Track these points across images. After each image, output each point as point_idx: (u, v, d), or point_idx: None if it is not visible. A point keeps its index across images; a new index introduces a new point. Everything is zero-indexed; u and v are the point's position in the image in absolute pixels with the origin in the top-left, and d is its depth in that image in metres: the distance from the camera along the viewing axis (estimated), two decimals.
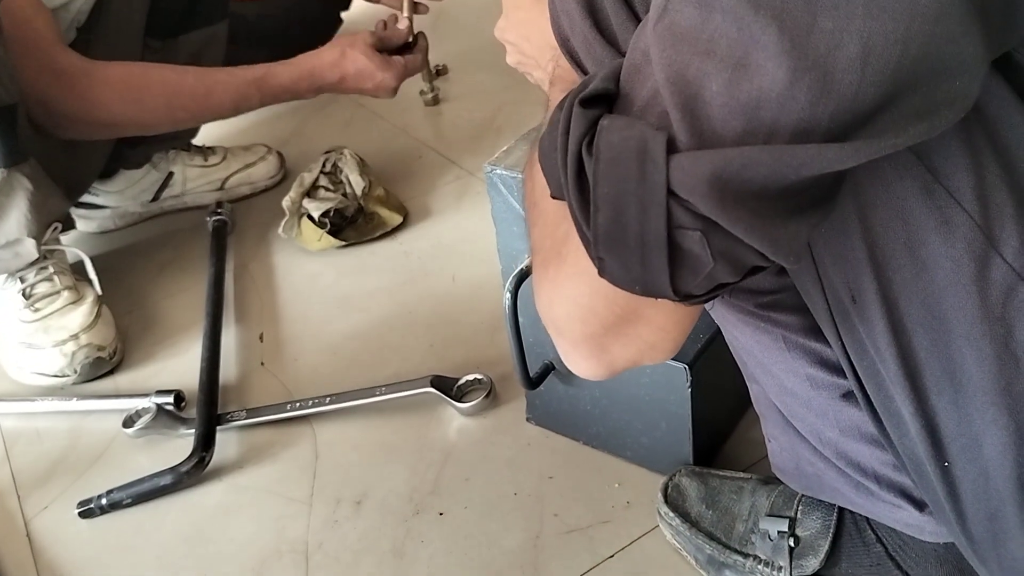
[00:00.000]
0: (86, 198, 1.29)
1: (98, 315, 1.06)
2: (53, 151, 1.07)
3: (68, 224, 1.22)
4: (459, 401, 0.93)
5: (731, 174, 0.38)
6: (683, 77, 0.39)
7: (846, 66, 0.36)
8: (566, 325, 0.50)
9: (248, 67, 1.12)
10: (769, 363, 0.60)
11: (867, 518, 0.66)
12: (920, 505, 0.59)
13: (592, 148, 0.42)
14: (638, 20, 0.47)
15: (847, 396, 0.57)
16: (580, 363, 0.52)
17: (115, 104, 1.06)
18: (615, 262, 0.43)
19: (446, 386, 0.94)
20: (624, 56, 0.50)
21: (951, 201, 0.44)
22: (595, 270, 0.45)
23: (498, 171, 0.77)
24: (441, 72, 1.60)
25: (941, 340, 0.47)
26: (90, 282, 1.10)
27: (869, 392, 0.52)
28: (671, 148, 0.39)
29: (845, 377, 0.55)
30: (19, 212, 1.01)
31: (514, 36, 0.74)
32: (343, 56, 1.14)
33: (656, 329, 0.48)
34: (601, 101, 0.44)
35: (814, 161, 0.37)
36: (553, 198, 0.48)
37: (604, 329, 0.48)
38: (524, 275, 0.79)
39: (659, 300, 0.45)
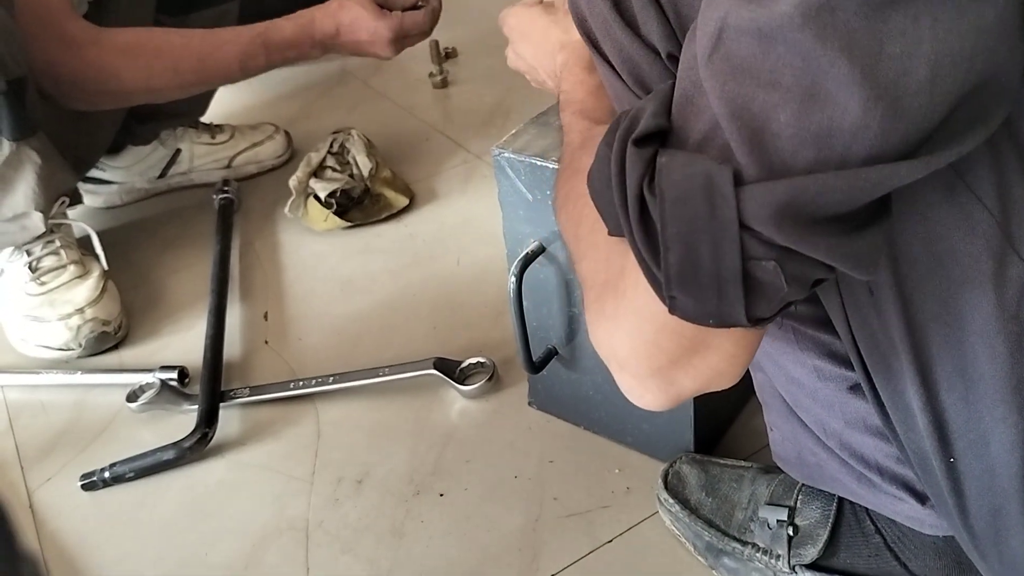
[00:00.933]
0: (93, 173, 1.29)
1: (104, 290, 1.07)
2: (62, 124, 1.07)
3: (75, 199, 1.22)
4: (462, 384, 0.93)
5: (806, 201, 0.38)
6: (748, 110, 0.38)
7: (916, 89, 0.36)
8: (630, 361, 0.48)
9: (251, 25, 1.11)
10: (776, 353, 0.60)
11: (867, 509, 0.66)
12: (922, 498, 0.59)
13: (654, 187, 0.41)
14: (659, 4, 0.46)
15: (854, 388, 0.57)
16: (645, 396, 0.50)
17: (124, 71, 1.05)
18: (688, 299, 0.42)
19: (449, 368, 0.94)
20: (641, 39, 0.50)
21: (972, 197, 0.44)
22: (659, 306, 0.44)
23: (506, 155, 0.77)
24: (450, 55, 1.60)
25: (955, 336, 0.47)
26: (96, 257, 1.10)
27: (878, 386, 0.52)
28: (737, 181, 0.39)
29: (853, 369, 0.55)
30: (27, 186, 1.01)
31: (517, 37, 0.75)
32: (340, 6, 1.12)
33: (725, 357, 0.47)
34: (654, 138, 0.43)
35: (888, 180, 0.37)
36: (611, 235, 0.47)
37: (671, 363, 0.47)
38: (529, 259, 0.79)
39: (730, 329, 0.44)
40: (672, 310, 0.43)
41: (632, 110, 0.45)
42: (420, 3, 1.18)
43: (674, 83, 0.44)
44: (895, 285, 0.47)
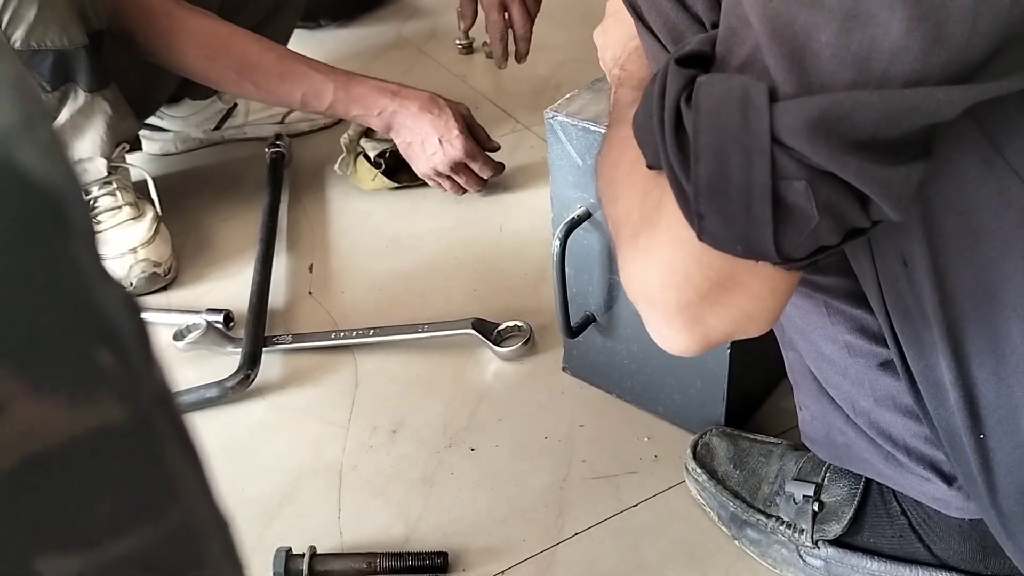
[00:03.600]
0: (152, 120, 1.33)
1: (156, 232, 1.10)
2: (130, 73, 1.10)
3: (135, 144, 1.25)
4: (498, 345, 0.95)
5: (840, 117, 0.38)
6: (789, 28, 0.38)
7: (959, 16, 0.36)
8: (659, 294, 0.48)
9: (332, 67, 1.11)
10: (808, 329, 0.60)
11: (893, 490, 0.66)
12: (949, 479, 0.60)
13: (691, 102, 0.41)
14: None
15: (884, 365, 0.58)
16: (673, 336, 0.49)
17: (190, 56, 1.07)
18: (716, 217, 0.42)
19: (487, 330, 0.96)
20: (687, 9, 0.50)
21: (1009, 172, 0.44)
22: (691, 235, 0.44)
23: (559, 118, 0.78)
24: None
25: (988, 310, 0.47)
26: (151, 201, 1.13)
27: (909, 360, 0.53)
28: (773, 98, 0.39)
29: (884, 346, 0.55)
30: (96, 133, 1.05)
31: (611, 14, 0.75)
32: (433, 99, 1.10)
33: (753, 297, 0.46)
34: (697, 63, 0.43)
35: (924, 104, 0.37)
36: (649, 168, 0.47)
37: (699, 297, 0.46)
38: (575, 223, 0.80)
39: (758, 265, 0.44)
40: (700, 234, 0.43)
41: (678, 47, 0.46)
42: (492, 146, 1.14)
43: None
44: (929, 257, 0.47)
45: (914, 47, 0.36)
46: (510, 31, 1.23)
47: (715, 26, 0.49)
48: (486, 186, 1.15)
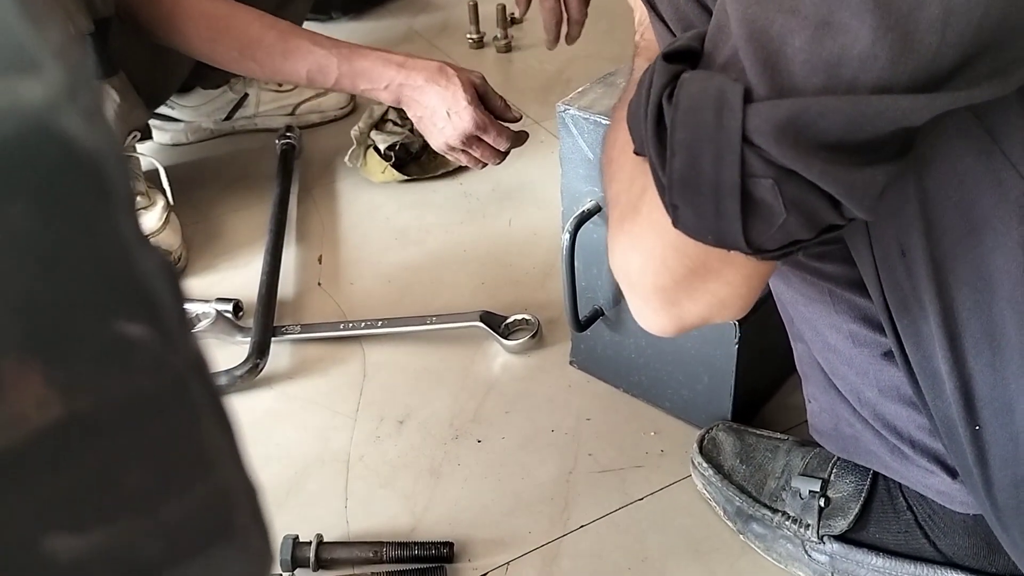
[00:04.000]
0: (162, 110, 1.33)
1: (167, 221, 1.10)
2: (140, 61, 1.11)
3: (146, 133, 1.26)
4: (506, 338, 0.95)
5: (807, 121, 0.39)
6: (766, 33, 0.39)
7: (927, 27, 0.37)
8: (638, 278, 0.50)
9: (336, 40, 1.07)
10: (814, 318, 0.61)
11: (899, 486, 0.67)
12: (952, 472, 0.60)
13: (673, 98, 0.43)
14: None
15: (888, 355, 0.58)
16: (650, 316, 0.52)
17: (192, 38, 1.07)
18: (689, 209, 0.44)
19: (494, 322, 0.96)
20: (699, 4, 0.51)
21: (1007, 164, 0.44)
22: (669, 223, 0.45)
23: (571, 112, 0.78)
24: (516, 20, 1.60)
25: (984, 301, 0.47)
26: (162, 190, 1.14)
27: (907, 350, 0.53)
28: (748, 99, 0.40)
29: (884, 335, 0.56)
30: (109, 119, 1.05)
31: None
32: (441, 69, 1.04)
33: (726, 284, 0.49)
34: (685, 58, 0.45)
35: (889, 111, 0.38)
36: (636, 154, 0.49)
37: (675, 283, 0.49)
38: (585, 217, 0.80)
39: (731, 254, 0.46)
40: (675, 222, 0.45)
41: (673, 40, 0.47)
42: (512, 115, 1.07)
43: None
44: (927, 248, 0.47)
45: (882, 55, 0.37)
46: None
47: None
48: (506, 157, 1.06)
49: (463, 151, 1.05)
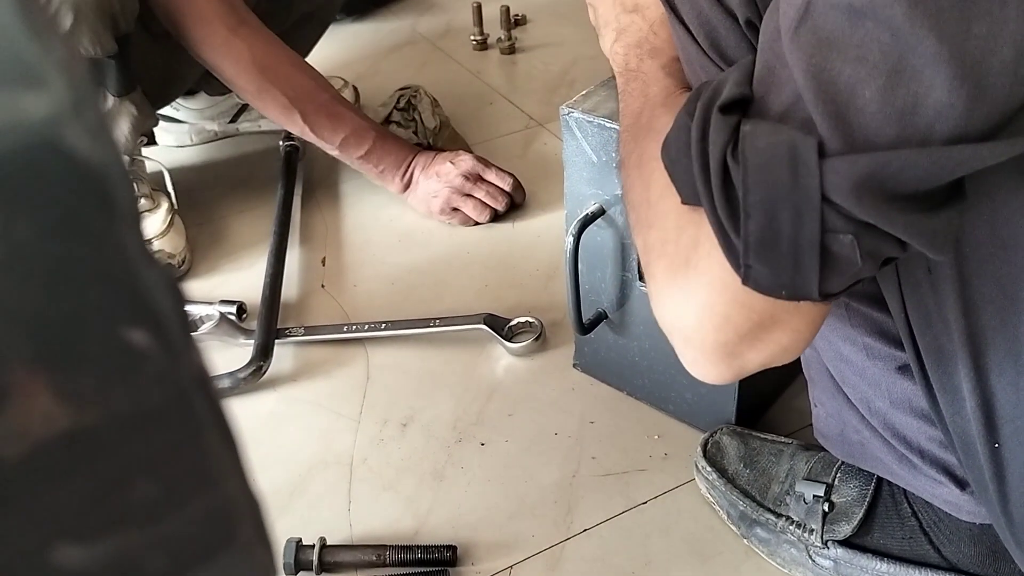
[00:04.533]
0: (167, 111, 1.33)
1: (171, 224, 1.10)
2: (149, 63, 1.11)
3: (151, 140, 1.26)
4: (509, 341, 0.95)
5: (887, 176, 0.38)
6: (833, 84, 0.39)
7: (1000, 70, 0.36)
8: (696, 334, 0.48)
9: (373, 121, 1.15)
10: (827, 329, 0.60)
11: (904, 491, 0.66)
12: (962, 484, 0.60)
13: (737, 154, 0.42)
14: None
15: (902, 369, 0.58)
16: (709, 369, 0.50)
17: (245, 75, 1.07)
18: (763, 269, 0.43)
19: (498, 325, 0.96)
20: (721, 3, 0.50)
21: None
22: (732, 278, 0.44)
23: (575, 114, 0.78)
24: (520, 22, 1.61)
25: (1010, 320, 0.47)
26: (166, 193, 1.14)
27: (927, 366, 0.53)
28: (820, 153, 0.39)
29: (902, 349, 0.55)
30: (120, 134, 1.06)
31: None
32: (455, 156, 1.14)
33: (791, 332, 0.47)
34: (737, 106, 0.43)
35: (970, 161, 0.38)
36: (684, 203, 0.47)
37: (739, 337, 0.47)
38: (589, 220, 0.80)
39: (799, 303, 0.45)
40: (745, 280, 0.43)
41: (713, 81, 0.46)
42: (507, 189, 1.15)
43: (755, 57, 0.45)
44: (955, 265, 0.47)
45: (959, 104, 0.37)
46: None
47: (748, 23, 0.49)
48: (508, 206, 1.15)
49: (468, 196, 1.12)
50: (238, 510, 0.18)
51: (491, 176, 1.14)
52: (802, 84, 0.40)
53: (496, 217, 1.15)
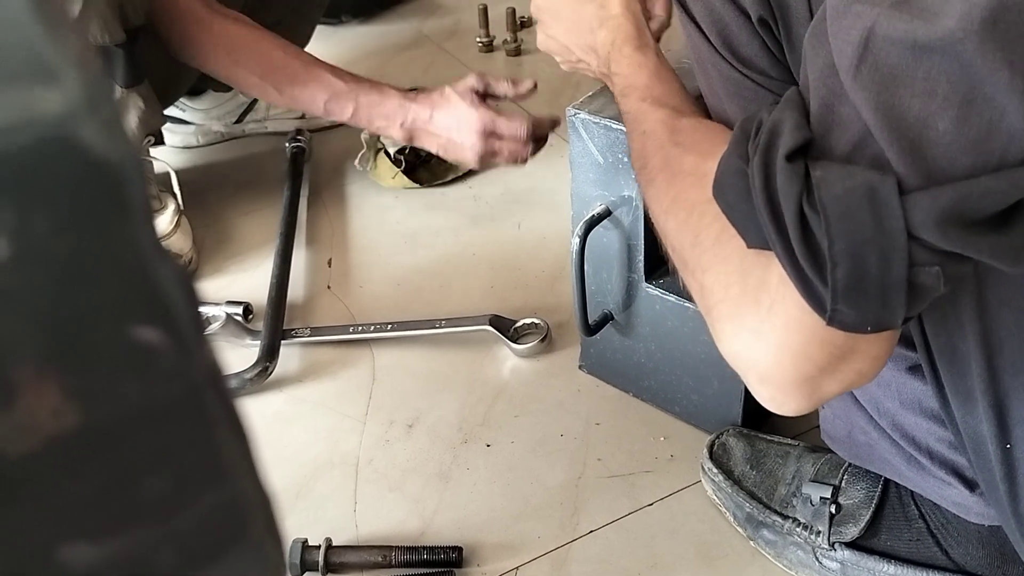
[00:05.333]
0: (173, 112, 1.34)
1: (177, 224, 1.11)
2: (156, 64, 1.11)
3: (158, 139, 1.26)
4: (515, 342, 0.95)
5: (969, 206, 0.39)
6: (904, 120, 0.39)
7: None
8: (774, 373, 0.48)
9: (357, 75, 1.11)
10: None
11: (912, 493, 0.66)
12: (971, 485, 0.60)
13: (813, 202, 0.41)
14: None
15: (913, 369, 0.58)
16: (788, 404, 0.50)
17: (215, 60, 1.08)
18: (851, 310, 0.43)
19: (504, 326, 0.96)
20: (736, 7, 0.50)
21: None
22: (811, 318, 0.44)
23: (581, 116, 0.78)
24: (525, 24, 1.61)
25: None
26: (172, 193, 1.14)
27: (939, 367, 0.52)
28: (899, 190, 0.40)
29: (913, 350, 0.55)
30: (128, 128, 1.06)
31: (547, 17, 0.74)
32: (441, 95, 1.08)
33: (871, 359, 0.47)
34: (802, 152, 0.43)
35: None
36: (750, 247, 0.47)
37: (819, 371, 0.47)
38: (595, 221, 0.80)
39: (880, 332, 0.44)
40: (830, 321, 0.43)
41: (759, 121, 0.45)
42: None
43: (798, 89, 0.45)
44: (971, 267, 0.47)
45: None
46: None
47: (761, 20, 0.49)
48: (542, 144, 1.06)
49: (495, 154, 1.07)
50: (249, 506, 0.18)
51: (503, 129, 1.05)
52: (872, 122, 0.40)
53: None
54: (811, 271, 0.43)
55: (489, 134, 1.05)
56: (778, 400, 0.50)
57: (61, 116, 0.14)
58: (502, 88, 1.09)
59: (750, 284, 0.48)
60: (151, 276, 0.15)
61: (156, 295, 0.15)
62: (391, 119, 1.08)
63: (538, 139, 1.07)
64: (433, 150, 1.10)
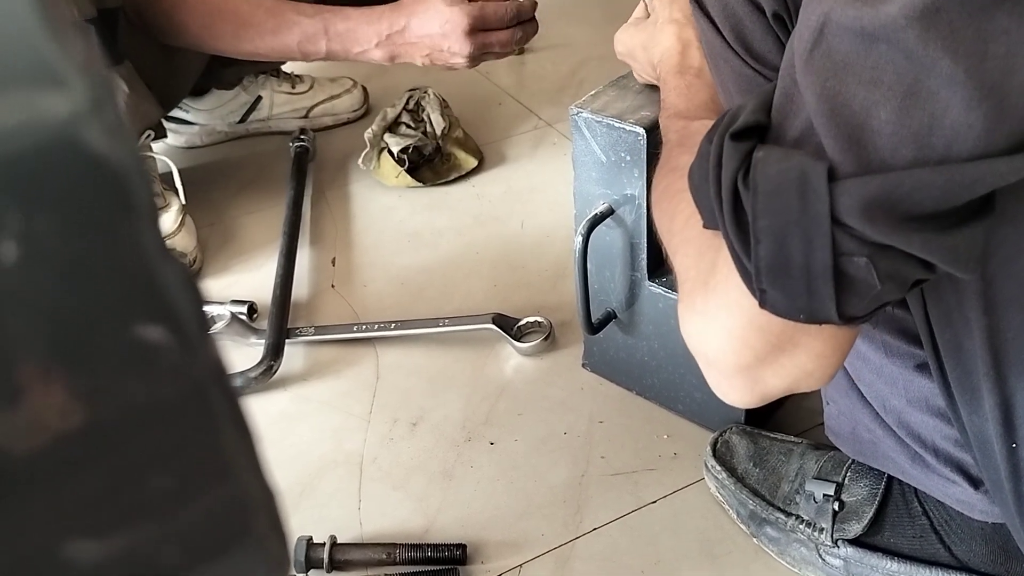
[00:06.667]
0: (177, 113, 1.34)
1: (182, 223, 1.11)
2: (149, 60, 1.12)
3: (160, 133, 1.27)
4: (518, 341, 0.95)
5: (900, 197, 0.38)
6: (847, 107, 0.38)
7: (1020, 90, 0.36)
8: (717, 357, 0.48)
9: (321, 7, 1.07)
10: None
11: (915, 490, 0.66)
12: (976, 483, 0.60)
13: (748, 181, 0.42)
14: None
15: (920, 367, 0.57)
16: (731, 393, 0.50)
17: (190, 27, 1.08)
18: (778, 293, 0.42)
19: (507, 325, 0.96)
20: (750, 3, 0.50)
21: None
22: (749, 301, 0.44)
23: (584, 114, 0.78)
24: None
25: None
26: (176, 192, 1.14)
27: (946, 365, 0.52)
28: (831, 177, 0.39)
29: (920, 347, 0.55)
30: (131, 130, 1.06)
31: (629, 62, 0.78)
32: (415, 1, 1.03)
33: (813, 356, 0.47)
34: (752, 133, 0.43)
35: (987, 178, 0.37)
36: (706, 228, 0.47)
37: (758, 360, 0.47)
38: (597, 220, 0.80)
39: (819, 326, 0.44)
40: (762, 304, 0.43)
41: (734, 108, 0.46)
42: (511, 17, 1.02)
43: (776, 84, 0.45)
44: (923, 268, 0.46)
45: (977, 124, 0.36)
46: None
47: (776, 16, 0.49)
48: (531, 33, 1.02)
49: (487, 52, 1.02)
50: (253, 503, 0.18)
51: (490, 16, 1.00)
52: (813, 107, 0.39)
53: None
54: (739, 247, 0.43)
55: (477, 31, 0.99)
56: (723, 388, 0.50)
57: (66, 119, 0.14)
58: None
59: (703, 267, 0.49)
60: (155, 276, 0.15)
61: (160, 295, 0.15)
62: (366, 42, 1.02)
63: (525, 23, 1.02)
64: (419, 63, 1.03)
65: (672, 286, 0.80)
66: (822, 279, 0.41)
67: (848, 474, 0.70)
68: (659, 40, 0.71)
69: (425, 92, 1.29)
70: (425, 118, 1.26)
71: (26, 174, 0.14)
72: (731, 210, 0.43)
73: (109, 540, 0.17)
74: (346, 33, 1.04)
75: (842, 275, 0.41)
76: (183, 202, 1.14)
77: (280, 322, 0.99)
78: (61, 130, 0.14)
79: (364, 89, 1.43)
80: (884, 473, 0.68)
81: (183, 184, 1.14)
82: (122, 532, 0.17)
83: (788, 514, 0.72)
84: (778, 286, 0.42)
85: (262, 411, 0.92)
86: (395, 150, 1.21)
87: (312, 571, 0.75)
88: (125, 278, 0.15)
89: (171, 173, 1.15)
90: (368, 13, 1.04)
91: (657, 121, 0.74)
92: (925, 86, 0.36)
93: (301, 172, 1.25)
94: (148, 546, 0.18)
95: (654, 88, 0.78)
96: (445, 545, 0.74)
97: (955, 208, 0.38)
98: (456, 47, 1.00)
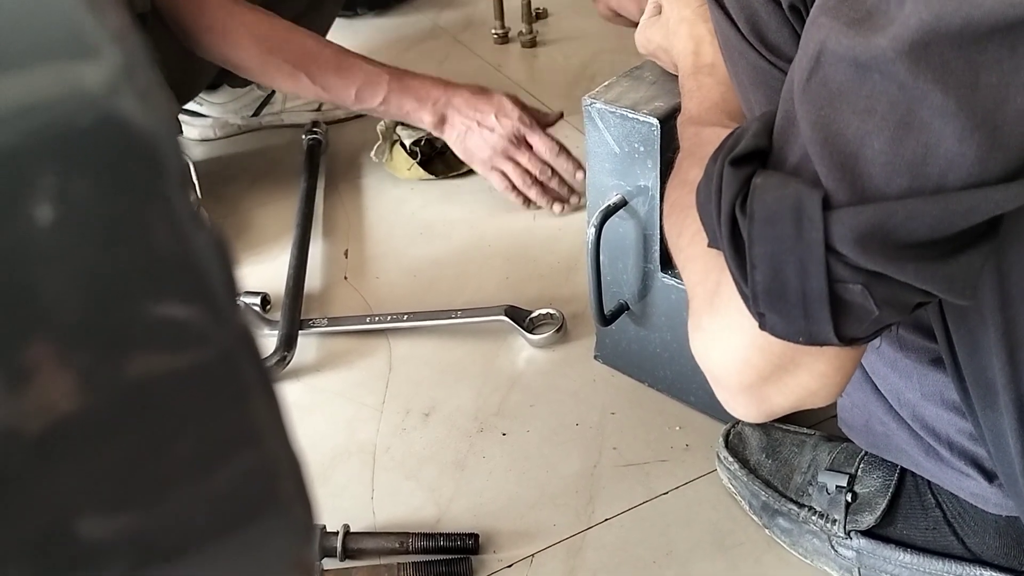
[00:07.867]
0: (191, 106, 1.35)
1: None
2: (170, 58, 1.12)
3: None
4: (531, 332, 0.96)
5: (894, 226, 0.38)
6: (841, 136, 0.38)
7: (1015, 118, 0.35)
8: (722, 375, 0.49)
9: (384, 63, 1.12)
10: None
11: (928, 482, 0.66)
12: (990, 476, 0.59)
13: (746, 207, 0.42)
14: None
15: (935, 361, 0.57)
16: (738, 409, 0.51)
17: (244, 48, 1.08)
18: (776, 317, 0.43)
19: (519, 317, 0.97)
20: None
21: None
22: (750, 323, 0.44)
23: (597, 105, 0.78)
24: (540, 15, 1.61)
25: None
26: (190, 184, 1.15)
27: (960, 360, 0.52)
28: (826, 206, 0.39)
29: (935, 342, 0.55)
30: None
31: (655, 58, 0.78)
32: (483, 88, 1.10)
33: (818, 376, 0.47)
34: (753, 158, 0.43)
35: (983, 206, 0.37)
36: (710, 248, 0.48)
37: (762, 379, 0.48)
38: (610, 211, 0.80)
39: (821, 348, 0.44)
40: (762, 326, 0.44)
41: (738, 129, 0.46)
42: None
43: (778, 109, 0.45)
44: (993, 257, 0.46)
45: (970, 154, 0.36)
46: None
47: (792, 7, 0.49)
48: (568, 198, 1.12)
49: (508, 160, 1.09)
50: (280, 468, 0.18)
51: (535, 138, 1.08)
52: (808, 136, 0.39)
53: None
54: (736, 271, 0.43)
55: (519, 143, 1.07)
56: (730, 404, 0.52)
57: (101, 89, 0.14)
58: (536, 115, 1.11)
59: (708, 286, 0.49)
60: (186, 242, 0.15)
61: (191, 261, 0.16)
62: (423, 100, 1.08)
63: (548, 183, 1.10)
64: (454, 134, 1.10)
65: None
66: (818, 305, 0.41)
67: (861, 465, 0.70)
68: (673, 42, 0.71)
69: None
70: None
71: (62, 141, 0.14)
72: (729, 235, 0.43)
73: (139, 506, 0.17)
74: (408, 89, 1.09)
75: (839, 300, 0.41)
76: (197, 195, 1.14)
77: (293, 313, 0.99)
78: (96, 99, 0.14)
79: None
80: (897, 465, 0.68)
81: (197, 177, 1.15)
82: (152, 498, 0.17)
83: (800, 505, 0.72)
84: (776, 310, 0.43)
85: None
86: (407, 143, 1.21)
87: (326, 559, 0.75)
88: (157, 243, 0.15)
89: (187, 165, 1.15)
90: (433, 78, 1.11)
91: (671, 111, 0.74)
92: (918, 116, 0.36)
93: (314, 165, 1.26)
94: (178, 512, 0.18)
95: (669, 78, 0.78)
96: (457, 535, 0.75)
97: (951, 236, 0.38)
98: (492, 142, 1.08)
